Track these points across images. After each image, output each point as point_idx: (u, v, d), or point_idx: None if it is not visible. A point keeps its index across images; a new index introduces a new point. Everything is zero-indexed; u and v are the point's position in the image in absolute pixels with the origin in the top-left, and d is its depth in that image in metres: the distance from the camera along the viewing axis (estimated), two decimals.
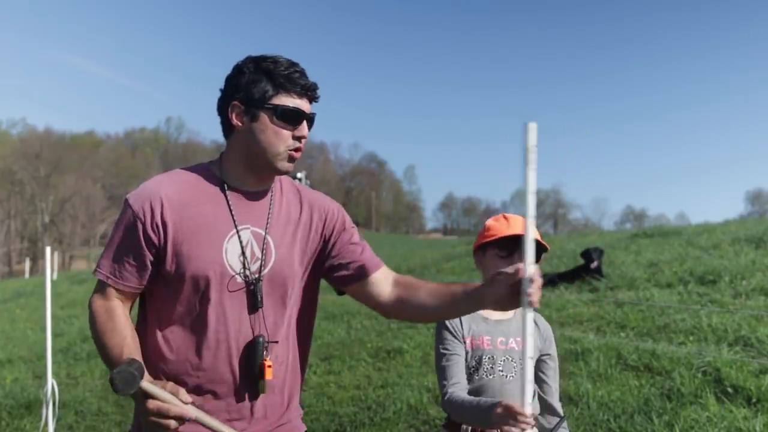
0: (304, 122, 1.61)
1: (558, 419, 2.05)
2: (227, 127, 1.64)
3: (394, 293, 1.74)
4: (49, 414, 4.46)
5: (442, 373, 1.96)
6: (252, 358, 1.58)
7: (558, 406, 2.07)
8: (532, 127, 1.41)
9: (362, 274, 1.74)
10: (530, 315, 1.44)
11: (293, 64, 1.60)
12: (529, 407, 1.47)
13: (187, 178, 1.63)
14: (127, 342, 1.52)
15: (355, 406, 4.96)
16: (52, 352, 4.57)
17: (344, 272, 1.75)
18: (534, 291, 1.42)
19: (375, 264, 1.76)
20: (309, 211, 1.74)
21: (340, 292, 1.83)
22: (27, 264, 38.30)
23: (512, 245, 1.96)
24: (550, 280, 8.69)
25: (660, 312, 6.36)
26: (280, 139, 1.59)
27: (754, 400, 4.07)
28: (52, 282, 4.36)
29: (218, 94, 1.66)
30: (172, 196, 1.57)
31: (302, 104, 1.60)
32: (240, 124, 1.60)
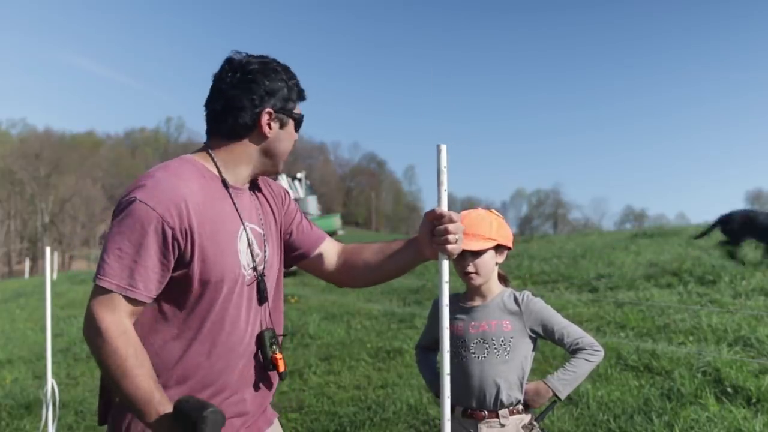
0: None
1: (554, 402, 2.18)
2: (243, 128, 1.59)
3: (341, 260, 1.85)
4: (49, 414, 4.45)
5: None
6: (263, 352, 1.61)
7: (581, 343, 2.15)
8: (443, 148, 1.48)
9: (311, 249, 1.84)
10: (445, 261, 1.55)
11: (288, 69, 1.68)
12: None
13: (193, 176, 1.55)
14: (153, 375, 1.43)
15: (355, 406, 4.96)
16: (52, 352, 4.57)
17: (297, 251, 1.83)
18: (449, 232, 1.53)
19: (320, 237, 1.86)
20: (266, 198, 1.78)
21: (290, 266, 1.90)
22: (27, 264, 38.29)
23: None
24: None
25: (660, 312, 6.36)
26: (292, 146, 1.69)
27: (754, 400, 4.07)
28: (52, 282, 4.36)
29: None
30: (191, 197, 1.49)
31: None
32: (270, 130, 1.61)
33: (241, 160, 1.62)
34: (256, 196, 1.73)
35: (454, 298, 2.27)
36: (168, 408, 1.38)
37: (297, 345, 7.27)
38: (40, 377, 6.78)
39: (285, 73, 1.63)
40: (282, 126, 1.64)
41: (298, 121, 1.68)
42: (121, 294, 1.43)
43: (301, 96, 1.67)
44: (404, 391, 5.06)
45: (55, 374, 4.81)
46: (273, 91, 1.59)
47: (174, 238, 1.45)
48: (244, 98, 1.57)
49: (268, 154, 1.65)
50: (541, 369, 4.91)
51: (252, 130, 1.60)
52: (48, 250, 4.96)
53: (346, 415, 4.74)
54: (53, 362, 4.73)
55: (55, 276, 21.89)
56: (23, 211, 63.20)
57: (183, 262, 1.49)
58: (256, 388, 1.64)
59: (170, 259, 1.47)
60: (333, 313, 8.80)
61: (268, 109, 1.58)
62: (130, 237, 1.43)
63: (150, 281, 1.46)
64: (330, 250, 1.86)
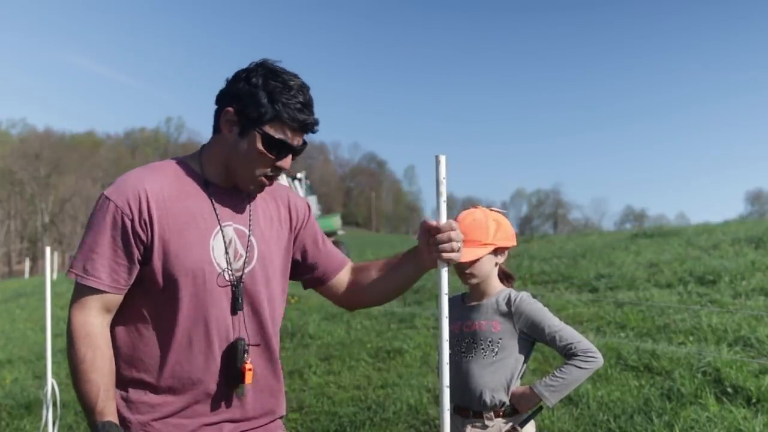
0: (290, 156, 1.57)
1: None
2: (215, 122, 1.60)
3: (349, 281, 1.79)
4: (49, 414, 4.45)
5: None
6: (232, 360, 1.54)
7: (575, 348, 2.12)
8: (442, 159, 1.46)
9: (332, 274, 1.78)
10: (444, 270, 1.52)
11: (301, 92, 1.53)
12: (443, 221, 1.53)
13: (167, 173, 1.57)
14: (105, 382, 1.45)
15: (355, 406, 4.96)
16: (52, 352, 4.57)
17: (315, 273, 1.78)
18: (447, 244, 1.50)
19: (342, 262, 1.80)
20: (278, 206, 1.72)
21: (306, 287, 1.87)
22: (27, 264, 38.31)
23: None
24: None
25: (660, 312, 6.36)
26: (259, 165, 1.55)
27: (754, 400, 4.07)
28: (52, 282, 4.36)
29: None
30: (156, 190, 1.52)
31: (294, 138, 1.54)
32: (228, 132, 1.56)
33: (215, 158, 1.60)
34: (256, 199, 1.67)
35: (458, 297, 2.26)
36: (105, 419, 1.43)
37: (297, 345, 7.27)
38: (40, 377, 6.79)
39: (276, 87, 1.50)
40: (242, 135, 1.53)
41: (267, 141, 1.51)
42: (83, 284, 1.48)
43: (278, 114, 1.50)
44: (404, 391, 5.06)
45: (55, 374, 4.80)
46: (240, 94, 1.51)
47: (133, 228, 1.48)
48: (222, 92, 1.58)
49: (230, 159, 1.57)
50: (541, 369, 4.91)
51: (218, 129, 1.59)
52: (48, 250, 4.96)
53: (346, 415, 4.75)
54: (53, 362, 4.72)
55: (55, 276, 21.87)
56: (23, 211, 63.20)
57: (148, 255, 1.50)
58: (227, 399, 1.58)
59: (133, 250, 1.49)
60: (333, 313, 8.79)
61: (227, 108, 1.54)
62: (93, 230, 1.49)
63: (113, 271, 1.48)
64: (345, 275, 1.79)
